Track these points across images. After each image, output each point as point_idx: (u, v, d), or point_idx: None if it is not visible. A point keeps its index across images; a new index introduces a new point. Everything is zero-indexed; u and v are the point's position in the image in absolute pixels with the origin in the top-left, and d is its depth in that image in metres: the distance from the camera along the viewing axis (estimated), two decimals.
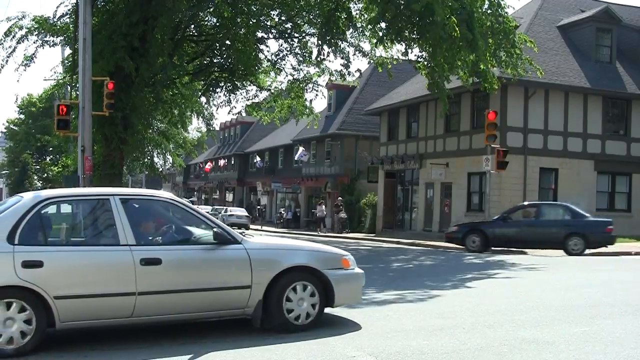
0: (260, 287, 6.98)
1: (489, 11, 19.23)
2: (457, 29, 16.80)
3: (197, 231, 7.22)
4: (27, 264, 6.20)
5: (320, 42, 21.74)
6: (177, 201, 7.37)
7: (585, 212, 20.89)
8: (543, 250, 19.33)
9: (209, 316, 7.13)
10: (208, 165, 68.62)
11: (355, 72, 25.56)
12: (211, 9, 24.09)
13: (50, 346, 6.45)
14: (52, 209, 6.89)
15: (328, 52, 22.66)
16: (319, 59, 23.55)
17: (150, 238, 7.01)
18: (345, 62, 23.69)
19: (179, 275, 6.76)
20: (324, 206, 39.84)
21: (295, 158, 45.37)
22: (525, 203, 22.71)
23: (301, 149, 44.83)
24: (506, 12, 19.91)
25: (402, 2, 17.71)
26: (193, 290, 6.79)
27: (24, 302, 6.15)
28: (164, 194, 7.59)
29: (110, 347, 6.53)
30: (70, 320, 6.39)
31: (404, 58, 22.59)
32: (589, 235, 19.16)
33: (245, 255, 7.00)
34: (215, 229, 7.02)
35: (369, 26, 21.00)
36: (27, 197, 6.74)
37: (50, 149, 63.28)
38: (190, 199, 55.13)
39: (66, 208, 7.22)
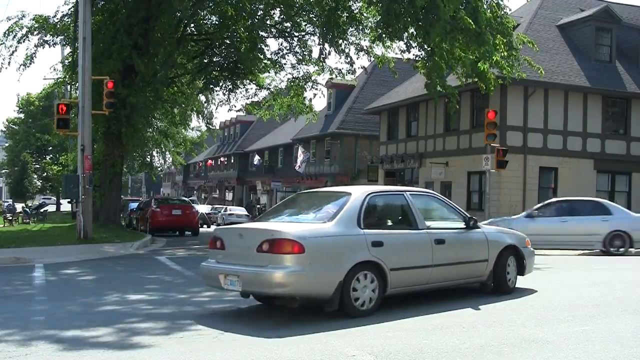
0: (492, 261, 9.23)
1: (488, 10, 19.22)
2: (469, 20, 17.00)
3: (453, 217, 9.23)
4: (375, 243, 7.80)
5: (322, 40, 21.69)
6: (438, 195, 9.72)
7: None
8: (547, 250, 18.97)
9: (462, 283, 9.25)
10: (209, 161, 68.71)
11: (360, 68, 25.54)
12: (211, 7, 24.07)
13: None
14: (373, 201, 8.44)
15: (329, 51, 22.64)
16: (321, 57, 23.48)
17: (430, 224, 8.75)
18: (349, 60, 23.65)
19: (453, 252, 8.77)
20: None
21: (296, 169, 45.08)
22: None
23: (300, 154, 44.40)
24: (505, 13, 19.88)
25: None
26: (459, 263, 8.87)
27: (373, 274, 7.72)
28: (430, 191, 9.89)
29: (108, 346, 6.50)
30: (395, 287, 8.03)
31: (405, 56, 22.57)
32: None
33: (484, 237, 9.26)
34: (469, 217, 9.24)
35: (370, 24, 20.97)
36: (358, 192, 8.30)
37: (50, 148, 63.24)
38: (190, 198, 55.07)
39: (381, 200, 8.80)
